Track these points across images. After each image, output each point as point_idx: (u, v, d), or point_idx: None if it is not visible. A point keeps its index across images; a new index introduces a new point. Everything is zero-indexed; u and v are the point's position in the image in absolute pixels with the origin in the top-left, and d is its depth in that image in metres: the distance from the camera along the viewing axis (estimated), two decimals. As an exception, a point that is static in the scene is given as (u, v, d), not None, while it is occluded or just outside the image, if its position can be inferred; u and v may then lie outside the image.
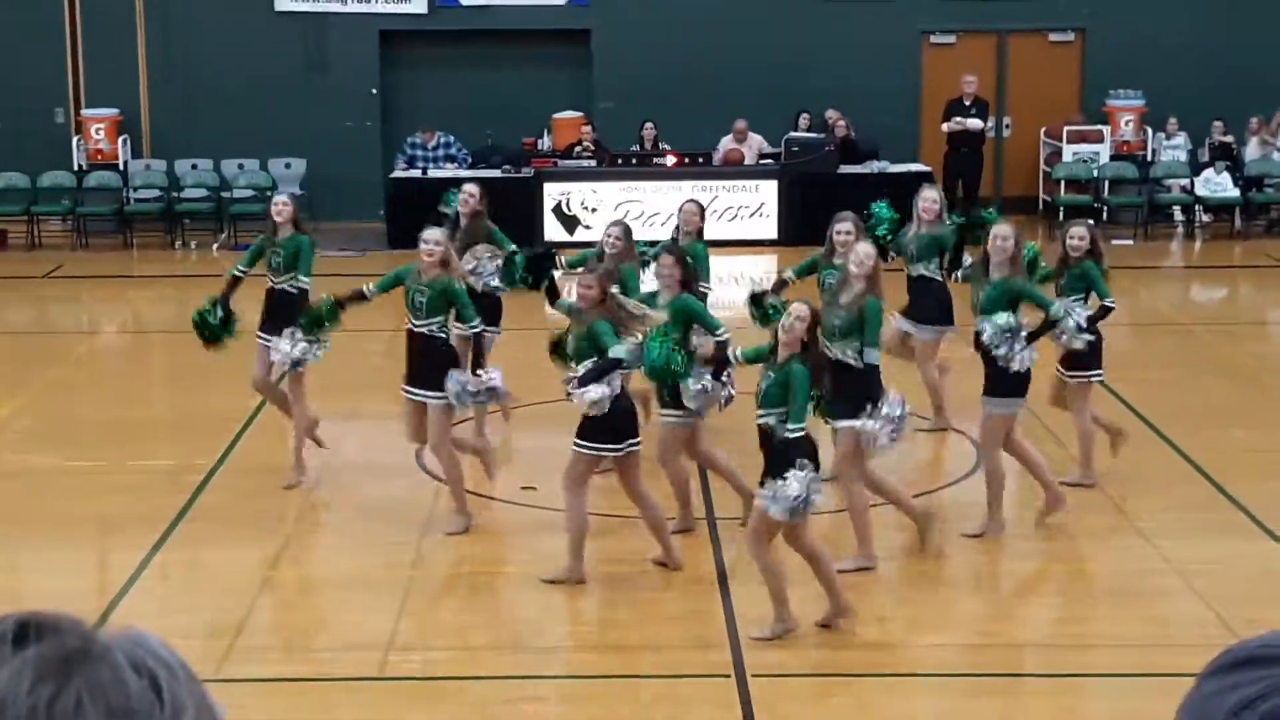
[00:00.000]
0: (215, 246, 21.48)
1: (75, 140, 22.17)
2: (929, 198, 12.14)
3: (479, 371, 10.37)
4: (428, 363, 10.35)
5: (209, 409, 13.28)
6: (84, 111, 22.25)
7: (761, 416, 8.57)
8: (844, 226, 11.25)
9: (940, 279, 12.08)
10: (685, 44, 22.21)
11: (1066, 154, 22.15)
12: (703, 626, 9.07)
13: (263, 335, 11.50)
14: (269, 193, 21.88)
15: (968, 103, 21.66)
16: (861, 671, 8.55)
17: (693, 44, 22.20)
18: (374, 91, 22.67)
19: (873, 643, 8.89)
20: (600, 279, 9.69)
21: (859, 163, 21.02)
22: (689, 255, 11.45)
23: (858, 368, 9.45)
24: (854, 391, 9.34)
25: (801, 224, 20.46)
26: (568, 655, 8.89)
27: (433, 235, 10.61)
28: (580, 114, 21.95)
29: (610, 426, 9.33)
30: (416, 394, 10.39)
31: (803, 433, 8.44)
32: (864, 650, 8.78)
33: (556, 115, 21.99)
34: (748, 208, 20.77)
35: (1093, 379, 10.97)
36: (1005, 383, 9.92)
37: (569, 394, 9.36)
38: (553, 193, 20.77)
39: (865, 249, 9.86)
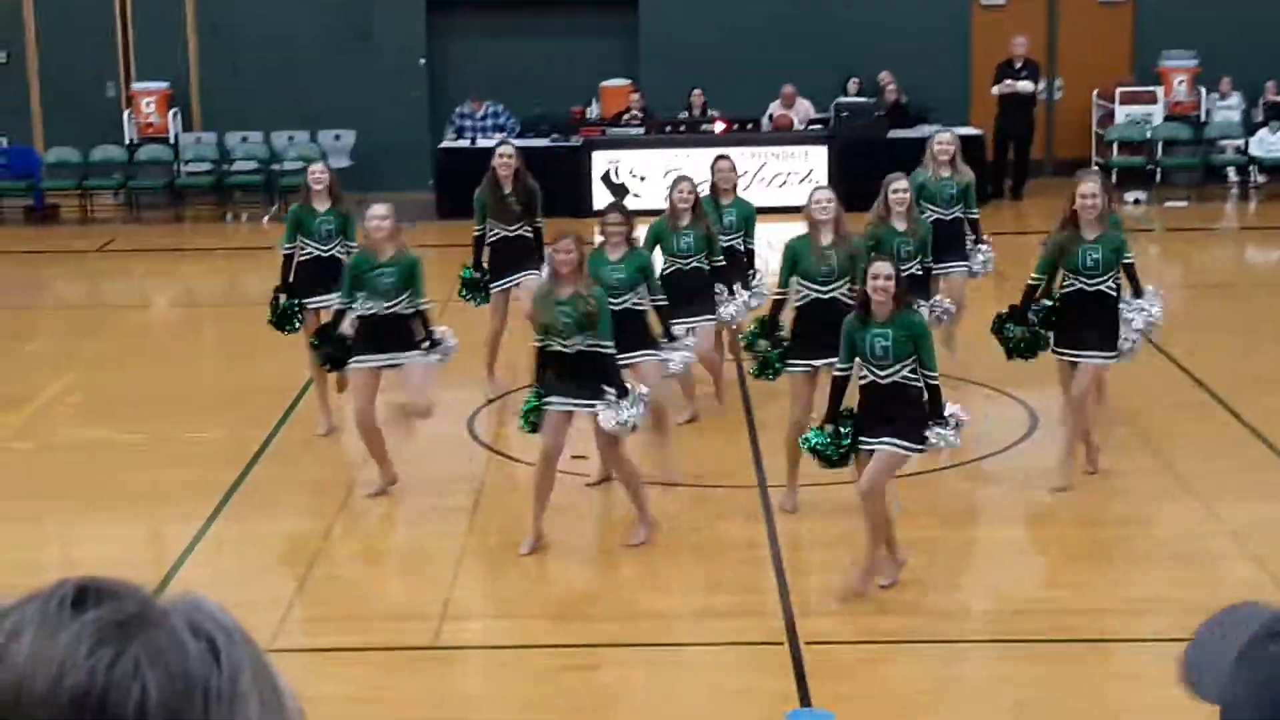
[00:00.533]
0: (266, 219, 21.56)
1: (126, 114, 22.27)
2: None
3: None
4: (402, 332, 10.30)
5: (261, 381, 13.35)
6: (134, 85, 22.35)
7: (889, 373, 8.66)
8: (900, 185, 11.26)
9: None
10: (732, 9, 22.13)
11: (1119, 115, 21.98)
12: (754, 595, 9.07)
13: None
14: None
15: (1018, 65, 21.51)
16: (914, 638, 8.54)
17: (740, 9, 22.12)
18: (422, 61, 22.69)
19: (926, 610, 8.87)
20: (578, 241, 9.55)
21: (909, 127, 20.88)
22: (742, 214, 11.53)
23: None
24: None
25: (852, 189, 20.31)
26: (620, 624, 8.90)
27: (378, 211, 10.37)
28: (628, 82, 21.91)
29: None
30: (390, 358, 10.32)
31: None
32: (916, 617, 8.77)
33: (604, 83, 21.96)
34: (797, 174, 20.69)
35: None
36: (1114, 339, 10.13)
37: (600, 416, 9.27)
38: (601, 161, 20.75)
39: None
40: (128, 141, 22.17)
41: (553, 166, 20.15)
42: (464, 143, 21.12)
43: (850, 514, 10.34)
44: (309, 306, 11.71)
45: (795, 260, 10.20)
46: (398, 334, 10.28)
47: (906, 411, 8.72)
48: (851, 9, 22.12)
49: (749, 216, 12.29)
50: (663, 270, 11.20)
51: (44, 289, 18.41)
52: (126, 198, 22.15)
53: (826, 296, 10.02)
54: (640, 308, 10.45)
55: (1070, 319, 10.13)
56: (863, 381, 8.92)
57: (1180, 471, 10.84)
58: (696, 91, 21.24)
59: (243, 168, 22.21)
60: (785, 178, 20.66)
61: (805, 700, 7.72)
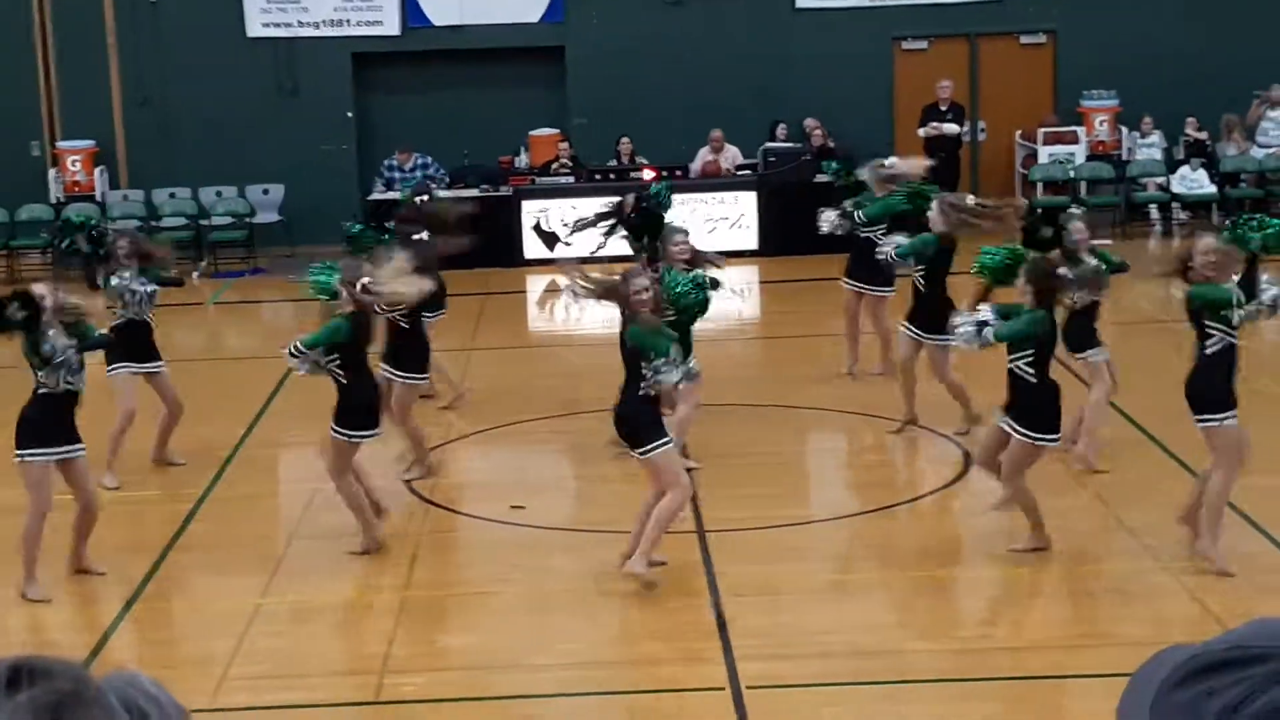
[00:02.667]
0: (195, 275, 21.40)
1: (52, 173, 22.13)
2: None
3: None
4: None
5: (194, 439, 13.24)
6: (59, 144, 22.21)
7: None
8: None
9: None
10: (659, 57, 22.23)
11: (1042, 155, 22.20)
12: (695, 640, 9.06)
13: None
14: (247, 219, 21.95)
15: (943, 108, 21.73)
16: (856, 680, 8.55)
17: (666, 57, 22.22)
18: (349, 115, 22.66)
19: (868, 650, 8.89)
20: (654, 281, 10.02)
21: (836, 171, 21.02)
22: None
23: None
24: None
25: (781, 233, 20.50)
26: (562, 673, 8.88)
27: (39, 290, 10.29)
28: (556, 131, 21.96)
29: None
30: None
31: None
32: (859, 658, 8.78)
33: (533, 133, 22.00)
34: (727, 219, 20.79)
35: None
36: None
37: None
38: (531, 210, 20.77)
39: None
40: (54, 200, 22.00)
41: (483, 216, 20.18)
42: (393, 195, 21.06)
43: (784, 557, 10.38)
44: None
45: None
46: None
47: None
48: (776, 55, 22.26)
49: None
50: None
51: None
52: (54, 256, 21.95)
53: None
54: None
55: None
56: (1218, 347, 9.32)
57: (1115, 508, 10.92)
58: (624, 140, 21.34)
59: (171, 224, 22.06)
60: (715, 223, 20.75)
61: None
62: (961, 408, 12.41)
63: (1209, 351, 9.44)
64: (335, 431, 10.26)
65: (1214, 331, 9.38)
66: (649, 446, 9.50)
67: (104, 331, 10.40)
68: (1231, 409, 9.42)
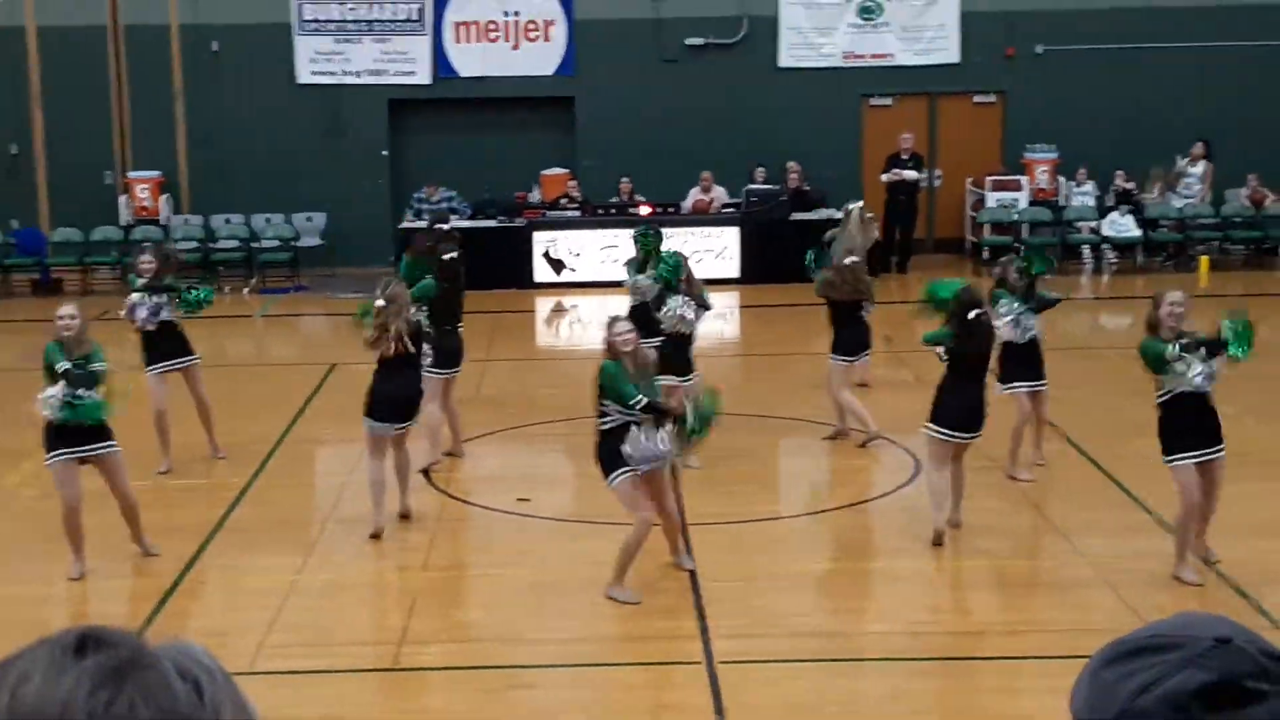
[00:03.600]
0: (246, 290, 21.40)
1: (122, 199, 22.09)
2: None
3: None
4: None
5: (241, 434, 13.21)
6: (130, 174, 22.18)
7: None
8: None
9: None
10: (658, 108, 22.24)
11: (990, 200, 22.19)
12: (676, 620, 9.02)
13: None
14: (293, 242, 21.92)
15: (905, 156, 21.74)
16: (817, 657, 8.50)
17: (663, 108, 22.23)
18: (384, 153, 22.64)
19: (829, 632, 8.85)
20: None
21: (809, 210, 21.02)
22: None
23: None
24: None
25: (760, 264, 20.50)
26: (559, 647, 8.83)
27: (68, 310, 10.05)
28: (565, 170, 21.95)
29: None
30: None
31: None
32: (821, 638, 8.74)
33: (544, 172, 21.98)
34: (712, 250, 20.76)
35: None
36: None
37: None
38: (541, 240, 20.74)
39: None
40: (124, 223, 21.97)
41: (499, 244, 20.21)
42: (421, 224, 21.06)
43: (757, 548, 10.34)
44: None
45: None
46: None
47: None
48: (759, 108, 22.27)
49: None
50: None
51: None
52: (122, 272, 21.93)
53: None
54: None
55: None
56: (1177, 398, 9.02)
57: (1048, 512, 10.88)
58: (625, 180, 21.33)
59: (226, 245, 22.05)
60: (702, 254, 20.72)
61: (720, 713, 7.66)
62: (859, 422, 12.32)
63: (1158, 400, 9.26)
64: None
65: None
66: (608, 479, 9.20)
67: (99, 367, 9.97)
68: (1180, 452, 9.15)
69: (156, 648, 1.19)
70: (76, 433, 9.74)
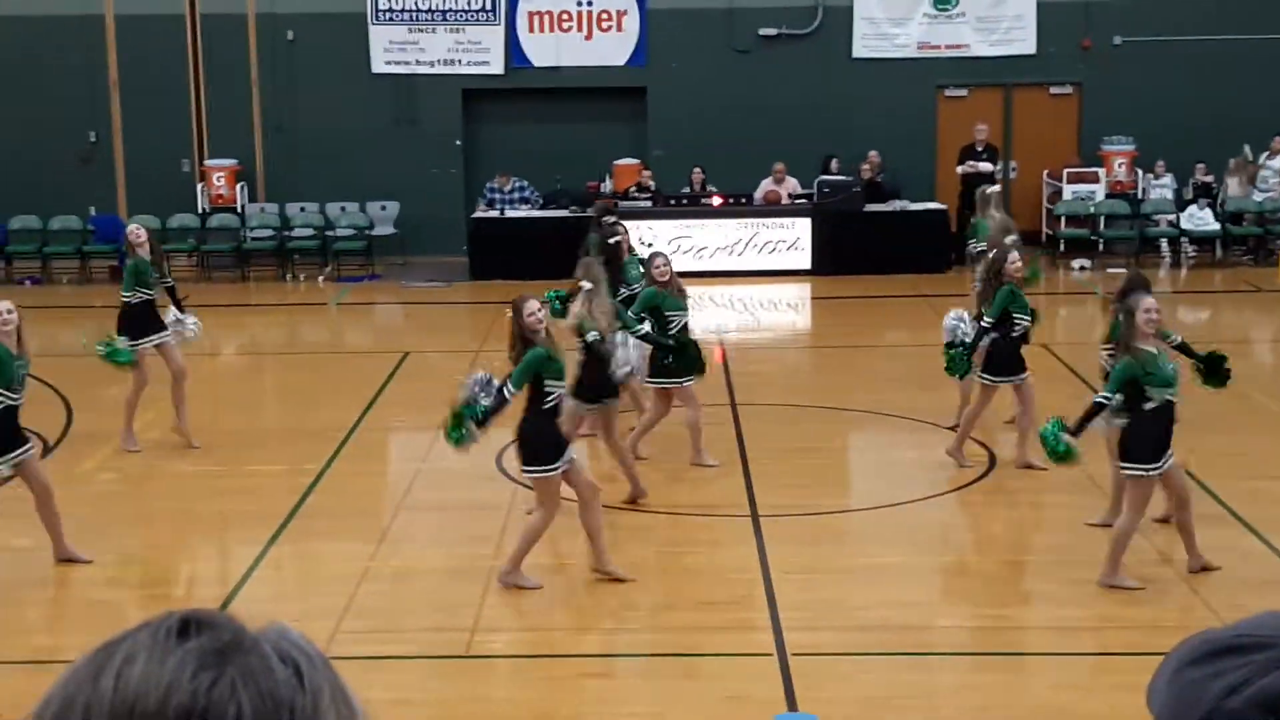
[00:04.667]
0: (320, 278, 21.61)
1: (199, 187, 22.36)
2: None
3: None
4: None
5: (316, 421, 13.35)
6: (207, 162, 22.44)
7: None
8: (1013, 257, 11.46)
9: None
10: (730, 98, 22.23)
11: (1066, 193, 22.02)
12: (747, 611, 9.04)
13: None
14: (366, 231, 22.10)
15: (979, 148, 21.61)
16: (887, 650, 8.50)
17: (736, 98, 22.22)
18: (458, 142, 22.77)
19: (898, 625, 8.84)
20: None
21: (882, 201, 20.96)
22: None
23: None
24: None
25: (832, 256, 20.46)
26: (629, 636, 8.88)
27: (6, 304, 9.43)
28: (637, 160, 21.98)
29: None
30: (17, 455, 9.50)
31: None
32: (891, 632, 8.73)
33: (617, 162, 22.03)
34: (784, 241, 20.74)
35: None
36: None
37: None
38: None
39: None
40: (200, 211, 22.24)
41: (571, 234, 20.23)
42: (494, 213, 21.19)
43: (828, 540, 10.35)
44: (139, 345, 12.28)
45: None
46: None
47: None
48: (834, 98, 22.21)
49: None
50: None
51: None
52: (199, 260, 22.22)
53: None
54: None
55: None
56: (1154, 405, 8.87)
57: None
58: (696, 170, 21.33)
59: (301, 234, 22.26)
60: (774, 245, 20.72)
61: (792, 705, 7.69)
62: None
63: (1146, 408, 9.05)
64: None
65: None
66: (544, 466, 9.12)
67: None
68: (1152, 463, 8.96)
69: (257, 631, 1.20)
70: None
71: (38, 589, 9.61)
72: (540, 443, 9.13)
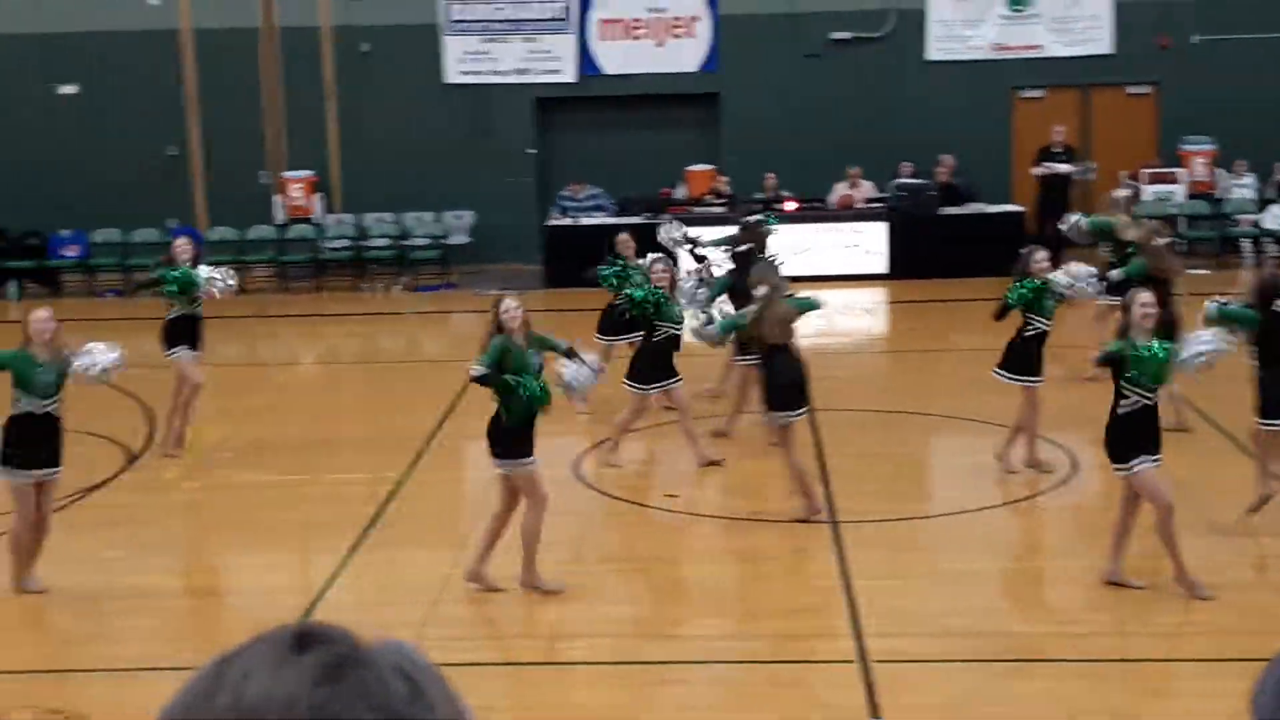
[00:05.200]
0: (398, 289, 21.75)
1: (276, 199, 22.56)
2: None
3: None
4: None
5: (394, 429, 13.42)
6: (284, 174, 22.64)
7: (1155, 395, 8.93)
8: (1042, 254, 11.33)
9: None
10: (803, 102, 22.16)
11: (1146, 194, 21.77)
12: (828, 618, 8.99)
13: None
14: (442, 240, 22.21)
15: (1057, 149, 21.41)
16: (971, 657, 8.42)
17: (809, 102, 22.14)
18: (531, 151, 22.84)
19: (983, 632, 8.76)
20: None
21: (958, 205, 20.81)
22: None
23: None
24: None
25: (908, 260, 20.33)
26: (708, 643, 8.85)
27: (43, 314, 9.56)
28: (710, 166, 21.96)
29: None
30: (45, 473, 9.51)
31: None
32: (975, 639, 8.65)
33: (689, 168, 22.01)
34: (859, 245, 20.63)
35: None
36: None
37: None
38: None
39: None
40: (278, 222, 22.45)
41: (644, 241, 20.19)
42: (567, 221, 21.23)
43: (908, 546, 10.28)
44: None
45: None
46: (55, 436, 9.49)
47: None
48: (906, 102, 22.09)
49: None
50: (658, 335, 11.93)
51: (205, 350, 18.58)
52: (276, 270, 22.42)
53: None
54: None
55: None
56: (1132, 406, 8.85)
57: (1209, 512, 10.63)
58: (769, 175, 21.27)
59: (377, 244, 22.41)
60: (849, 249, 20.61)
61: (874, 713, 7.63)
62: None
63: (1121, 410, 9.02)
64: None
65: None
66: (521, 460, 9.26)
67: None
68: (1140, 455, 8.94)
69: (370, 646, 1.19)
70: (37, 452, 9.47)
71: (122, 599, 9.72)
72: (510, 438, 9.25)
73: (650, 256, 12.67)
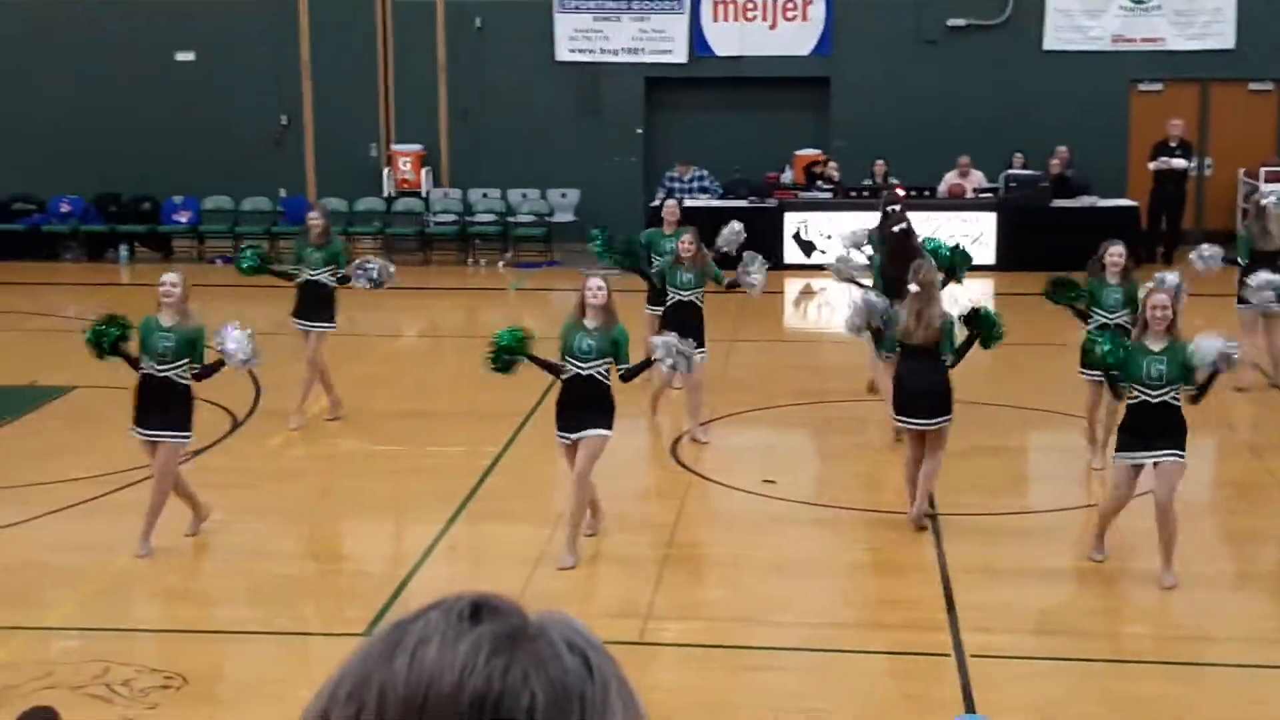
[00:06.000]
0: (501, 264, 21.86)
1: (385, 171, 22.76)
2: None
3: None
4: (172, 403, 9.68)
5: (495, 404, 13.50)
6: (393, 147, 22.83)
7: (1161, 395, 8.95)
8: (1116, 249, 11.20)
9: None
10: (914, 89, 21.95)
11: (1264, 191, 21.32)
12: (925, 610, 8.93)
13: None
14: (547, 218, 22.29)
15: (1173, 144, 21.03)
16: (1067, 655, 8.33)
17: (921, 89, 21.93)
18: (639, 131, 22.85)
19: (1081, 630, 8.66)
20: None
21: (1071, 197, 20.52)
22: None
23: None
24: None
25: (1017, 252, 20.09)
26: (804, 631, 8.82)
27: (170, 277, 9.81)
28: (818, 151, 21.83)
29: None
30: (152, 434, 9.65)
31: None
32: (1069, 637, 8.56)
33: (798, 152, 21.90)
34: (968, 236, 20.40)
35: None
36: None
37: None
38: (792, 221, 20.69)
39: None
40: (386, 195, 22.65)
41: (749, 224, 20.15)
42: (672, 202, 21.18)
43: (1007, 541, 10.16)
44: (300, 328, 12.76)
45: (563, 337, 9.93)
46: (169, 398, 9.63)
47: (1176, 426, 8.96)
48: (1022, 90, 21.81)
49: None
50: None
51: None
52: (384, 242, 22.62)
53: (585, 374, 9.75)
54: None
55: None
56: (1132, 401, 8.97)
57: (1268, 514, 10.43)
58: (879, 162, 21.10)
59: (483, 219, 22.54)
60: (958, 239, 20.38)
61: (970, 707, 7.56)
62: None
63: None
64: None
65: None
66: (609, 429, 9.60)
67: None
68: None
69: (541, 619, 1.19)
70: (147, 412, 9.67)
71: (223, 562, 9.87)
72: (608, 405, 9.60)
73: (685, 233, 12.74)
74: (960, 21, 22.02)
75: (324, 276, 12.77)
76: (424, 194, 22.57)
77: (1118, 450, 9.29)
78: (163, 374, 9.60)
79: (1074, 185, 20.76)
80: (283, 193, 22.82)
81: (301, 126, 23.04)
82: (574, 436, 9.57)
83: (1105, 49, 21.89)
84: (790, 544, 10.13)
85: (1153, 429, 9.05)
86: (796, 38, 22.33)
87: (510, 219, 22.39)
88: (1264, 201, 13.91)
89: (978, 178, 21.08)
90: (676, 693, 8.09)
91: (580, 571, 9.65)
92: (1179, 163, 20.87)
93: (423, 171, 22.61)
